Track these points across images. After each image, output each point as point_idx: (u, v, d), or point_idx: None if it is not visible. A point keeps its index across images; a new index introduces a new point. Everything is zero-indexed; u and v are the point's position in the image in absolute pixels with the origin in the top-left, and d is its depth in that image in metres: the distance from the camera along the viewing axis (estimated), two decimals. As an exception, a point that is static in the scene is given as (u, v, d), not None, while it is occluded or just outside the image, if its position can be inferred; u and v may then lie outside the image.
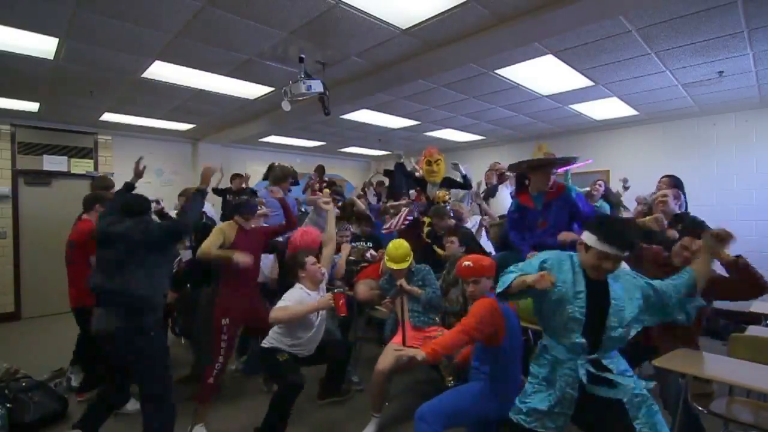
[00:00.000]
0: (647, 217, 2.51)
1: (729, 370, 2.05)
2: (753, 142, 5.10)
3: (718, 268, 2.25)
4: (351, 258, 3.91)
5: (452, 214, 3.92)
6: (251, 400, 3.15)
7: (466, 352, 2.34)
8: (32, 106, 4.98)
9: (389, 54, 3.55)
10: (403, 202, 4.48)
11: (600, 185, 4.62)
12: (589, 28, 2.98)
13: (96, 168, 6.08)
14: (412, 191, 4.91)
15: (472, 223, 4.17)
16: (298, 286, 2.70)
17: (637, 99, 4.80)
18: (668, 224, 2.77)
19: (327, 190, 4.81)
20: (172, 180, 6.84)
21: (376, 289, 3.26)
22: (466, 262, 2.18)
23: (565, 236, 2.55)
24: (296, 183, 5.21)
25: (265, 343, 2.65)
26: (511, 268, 1.76)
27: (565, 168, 3.55)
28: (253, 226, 2.99)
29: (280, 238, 3.54)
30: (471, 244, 3.28)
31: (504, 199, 4.41)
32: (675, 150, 5.67)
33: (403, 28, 3.06)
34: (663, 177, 3.88)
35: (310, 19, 2.88)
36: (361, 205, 4.74)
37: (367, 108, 5.24)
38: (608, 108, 5.17)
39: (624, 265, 1.83)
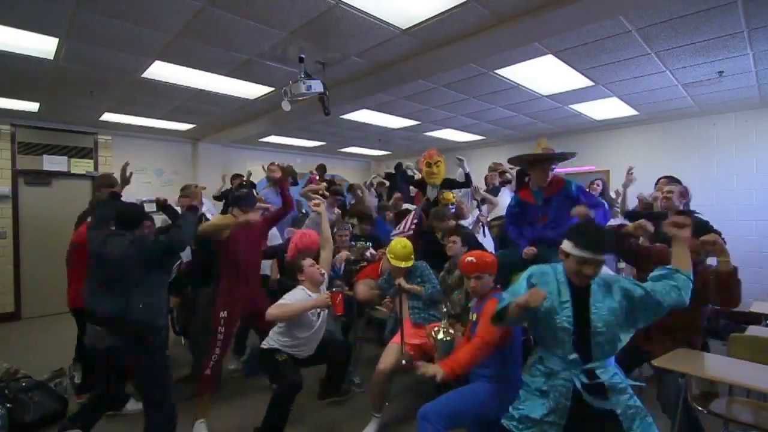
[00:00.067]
0: (632, 224, 2.50)
1: (729, 370, 2.05)
2: (753, 142, 5.10)
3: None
4: (350, 257, 3.91)
5: (453, 210, 3.93)
6: (251, 399, 3.14)
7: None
8: (32, 106, 4.98)
9: (389, 54, 3.55)
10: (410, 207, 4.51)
11: (598, 185, 4.62)
12: (589, 28, 2.99)
13: (96, 168, 6.08)
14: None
15: (469, 221, 4.17)
16: (299, 287, 2.70)
17: (637, 99, 4.80)
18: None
19: (324, 184, 4.81)
20: (172, 180, 6.84)
21: (376, 288, 3.26)
22: (470, 258, 2.21)
23: (578, 211, 2.55)
24: (296, 183, 5.22)
25: (265, 344, 2.65)
26: (503, 295, 1.81)
27: (565, 170, 3.56)
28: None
29: (280, 235, 3.55)
30: (472, 243, 3.28)
31: (505, 201, 4.41)
32: (675, 150, 5.67)
33: (403, 28, 3.06)
34: (661, 178, 3.88)
35: (310, 19, 2.88)
36: (367, 195, 4.71)
37: (367, 108, 5.24)
38: (608, 108, 5.17)
39: (605, 269, 1.84)
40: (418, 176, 5.00)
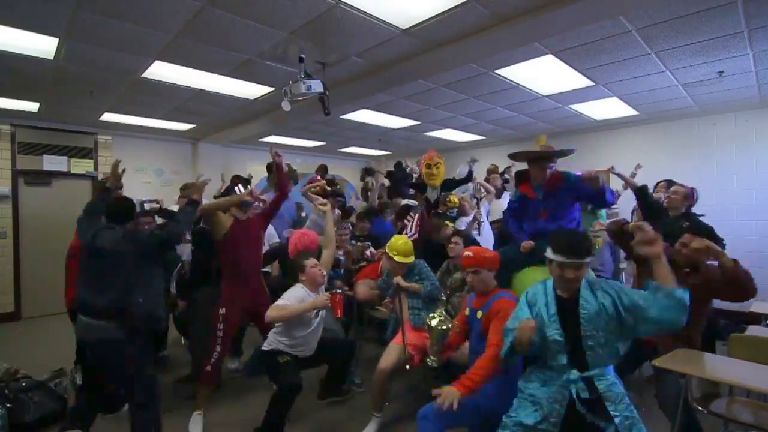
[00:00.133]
0: (631, 224, 2.51)
1: (729, 370, 2.05)
2: (753, 142, 5.10)
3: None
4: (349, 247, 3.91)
5: (454, 214, 3.92)
6: (251, 399, 3.15)
7: (454, 338, 2.34)
8: (32, 106, 4.97)
9: (389, 54, 3.55)
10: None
11: None
12: (589, 28, 2.98)
13: (96, 168, 6.08)
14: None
15: (468, 219, 4.17)
16: (299, 285, 2.70)
17: (637, 99, 4.80)
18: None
19: (324, 181, 4.80)
20: (172, 180, 6.84)
21: (376, 288, 3.26)
22: (468, 252, 2.25)
23: (587, 173, 2.54)
24: (295, 182, 5.22)
25: (266, 346, 2.65)
26: (508, 325, 1.84)
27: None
28: (248, 216, 3.01)
29: (278, 236, 3.54)
30: (473, 245, 3.29)
31: (506, 204, 4.42)
32: (675, 150, 5.67)
33: (403, 28, 3.06)
34: (661, 182, 3.88)
35: (310, 19, 2.88)
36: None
37: (367, 108, 5.24)
38: (608, 108, 5.17)
39: (589, 274, 1.88)
40: (415, 170, 5.00)
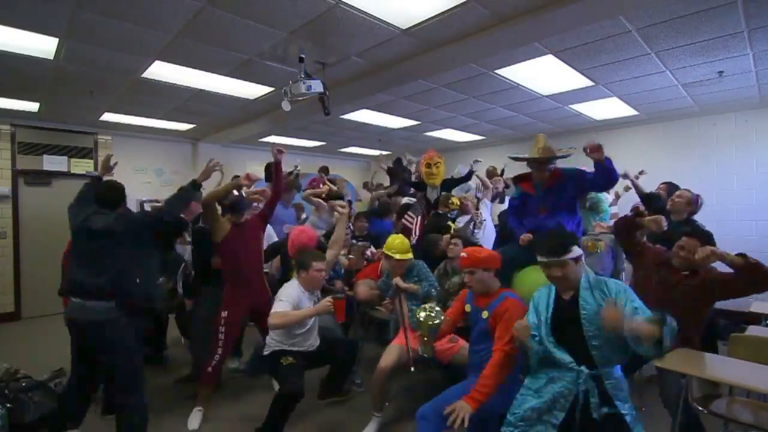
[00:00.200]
0: (648, 218, 2.50)
1: (729, 370, 2.05)
2: (753, 142, 5.10)
3: (722, 267, 2.25)
4: (351, 257, 3.91)
5: (453, 215, 3.92)
6: (252, 399, 3.15)
7: (447, 329, 2.33)
8: (32, 106, 4.97)
9: (389, 54, 3.55)
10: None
11: None
12: (589, 28, 2.98)
13: (96, 168, 6.07)
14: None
15: (464, 220, 4.18)
16: (295, 283, 2.70)
17: (637, 99, 4.80)
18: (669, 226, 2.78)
19: (326, 187, 4.81)
20: (172, 180, 6.83)
21: (376, 288, 3.26)
22: (463, 253, 2.26)
23: (588, 142, 2.48)
24: (298, 190, 5.21)
25: (266, 349, 2.65)
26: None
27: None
28: (245, 218, 3.02)
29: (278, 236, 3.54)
30: (471, 246, 3.29)
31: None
32: (675, 150, 5.67)
33: (403, 28, 3.06)
34: (661, 184, 3.88)
35: (310, 19, 2.88)
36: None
37: (367, 108, 5.24)
38: (608, 108, 5.17)
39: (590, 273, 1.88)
40: (413, 161, 4.99)
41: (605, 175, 2.52)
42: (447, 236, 3.55)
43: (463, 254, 2.24)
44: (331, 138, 7.21)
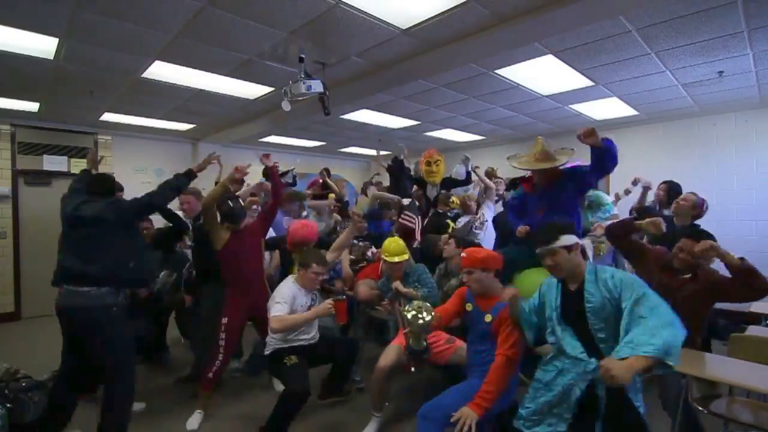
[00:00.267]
0: (645, 220, 2.49)
1: (729, 370, 2.05)
2: (753, 142, 5.10)
3: (723, 272, 2.25)
4: (351, 257, 3.91)
5: (452, 214, 3.92)
6: (253, 399, 3.15)
7: (438, 325, 2.29)
8: (32, 106, 4.97)
9: (389, 54, 3.55)
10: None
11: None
12: (589, 28, 2.98)
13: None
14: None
15: (464, 220, 4.18)
16: (291, 279, 2.70)
17: (637, 99, 4.80)
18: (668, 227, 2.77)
19: (332, 196, 4.84)
20: (172, 180, 6.83)
21: (376, 288, 3.26)
22: (463, 253, 2.25)
23: (583, 130, 2.50)
24: (294, 184, 5.22)
25: (267, 348, 2.65)
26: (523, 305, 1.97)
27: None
28: (245, 224, 3.02)
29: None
30: (464, 244, 3.29)
31: None
32: (675, 150, 5.67)
33: (403, 28, 3.06)
34: (661, 183, 3.88)
35: (310, 19, 2.88)
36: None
37: (367, 108, 5.23)
38: (608, 108, 5.17)
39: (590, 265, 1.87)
40: (408, 156, 5.00)
41: (608, 158, 2.49)
42: (445, 236, 3.56)
43: (462, 254, 2.23)
44: (331, 138, 7.21)
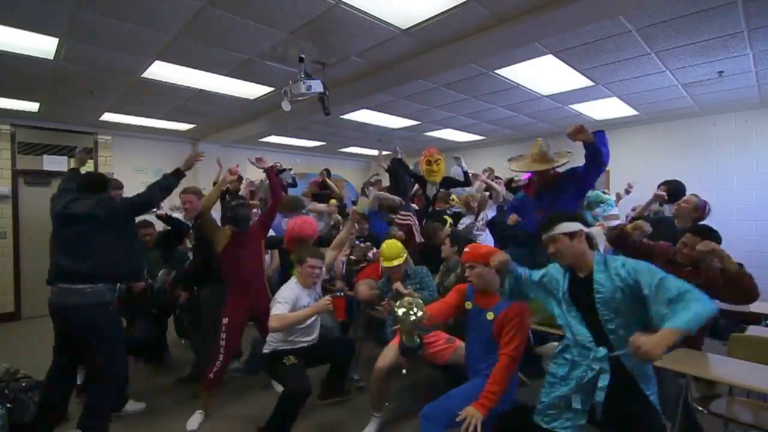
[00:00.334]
0: (629, 224, 2.51)
1: (729, 370, 2.05)
2: (753, 142, 5.10)
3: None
4: (352, 258, 3.90)
5: (451, 213, 3.91)
6: (251, 398, 3.16)
7: (431, 322, 2.26)
8: (32, 106, 4.97)
9: (389, 54, 3.55)
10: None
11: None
12: (589, 28, 2.98)
13: (96, 168, 6.07)
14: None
15: (466, 221, 4.18)
16: (293, 280, 2.71)
17: (637, 99, 4.80)
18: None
19: (333, 201, 4.84)
20: (172, 180, 6.83)
21: (376, 288, 3.26)
22: (466, 248, 2.24)
23: (572, 128, 2.48)
24: (294, 185, 5.22)
25: (266, 347, 2.65)
26: (519, 270, 1.95)
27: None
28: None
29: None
30: (461, 242, 3.29)
31: None
32: (675, 150, 5.67)
33: (403, 28, 3.06)
34: (661, 184, 3.88)
35: (310, 19, 2.88)
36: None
37: (367, 108, 5.24)
38: (608, 108, 5.17)
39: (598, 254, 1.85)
40: (400, 152, 4.99)
41: (598, 158, 2.48)
42: (447, 230, 3.56)
43: (465, 249, 2.23)
44: (331, 138, 7.21)
